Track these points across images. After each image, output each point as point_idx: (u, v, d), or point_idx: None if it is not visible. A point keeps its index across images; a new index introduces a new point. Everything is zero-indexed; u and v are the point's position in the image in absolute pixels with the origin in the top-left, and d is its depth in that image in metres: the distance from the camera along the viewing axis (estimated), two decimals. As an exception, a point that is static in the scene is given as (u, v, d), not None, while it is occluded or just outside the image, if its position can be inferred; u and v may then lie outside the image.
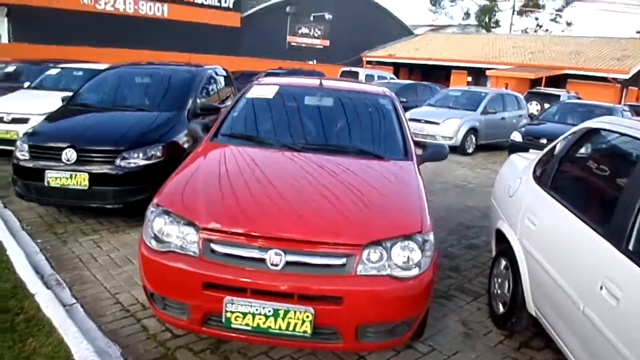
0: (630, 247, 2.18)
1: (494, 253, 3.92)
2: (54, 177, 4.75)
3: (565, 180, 3.10)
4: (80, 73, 8.89)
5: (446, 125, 11.44)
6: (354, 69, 22.13)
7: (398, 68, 30.13)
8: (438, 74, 27.15)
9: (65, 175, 4.74)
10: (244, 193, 2.83)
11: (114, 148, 4.82)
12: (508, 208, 3.58)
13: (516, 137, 10.59)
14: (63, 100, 6.17)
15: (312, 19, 29.84)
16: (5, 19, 18.51)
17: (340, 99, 4.03)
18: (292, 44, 29.24)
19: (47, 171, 4.76)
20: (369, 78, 20.47)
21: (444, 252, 5.04)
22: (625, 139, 2.71)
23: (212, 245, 2.54)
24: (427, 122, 11.71)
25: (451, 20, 49.78)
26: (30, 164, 4.86)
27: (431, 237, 2.70)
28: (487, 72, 24.15)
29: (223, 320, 2.48)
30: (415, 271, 2.57)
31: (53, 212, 5.40)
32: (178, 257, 2.58)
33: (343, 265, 2.48)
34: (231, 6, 26.05)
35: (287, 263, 2.46)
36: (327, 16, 29.56)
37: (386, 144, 3.70)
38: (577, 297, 2.41)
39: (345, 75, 21.45)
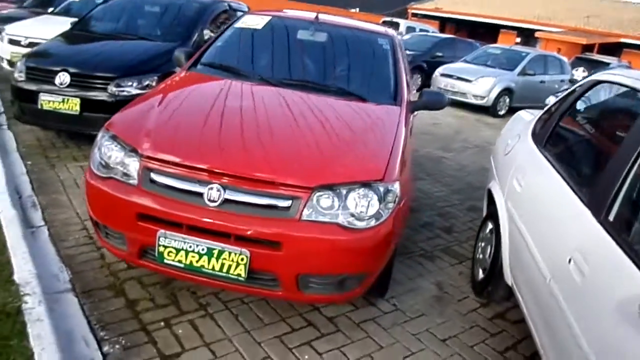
0: (611, 217, 1.86)
1: (484, 215, 3.63)
2: (47, 101, 4.67)
3: (560, 139, 2.75)
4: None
5: (478, 83, 10.83)
6: (395, 19, 21.21)
7: (445, 23, 28.73)
8: (485, 32, 25.73)
9: (58, 99, 4.64)
10: (196, 124, 2.61)
11: (106, 74, 4.67)
12: (501, 167, 3.25)
13: (552, 101, 9.89)
14: (71, 25, 6.02)
15: (358, -36, 28.57)
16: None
17: (335, 35, 3.70)
18: (336, -11, 28.12)
19: (40, 94, 4.68)
20: (410, 30, 19.64)
21: (441, 211, 4.77)
22: (634, 93, 2.32)
23: (152, 175, 2.36)
24: (458, 78, 11.12)
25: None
26: (26, 86, 4.78)
27: (396, 187, 2.43)
28: (537, 34, 22.68)
29: (156, 254, 2.32)
30: (370, 222, 2.33)
31: (52, 137, 5.36)
32: (116, 185, 2.42)
33: (287, 208, 2.26)
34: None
35: (226, 200, 2.25)
36: (375, -38, 28.22)
37: (374, 85, 3.38)
38: (546, 268, 2.13)
39: (386, 25, 20.59)
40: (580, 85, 2.81)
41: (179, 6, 6.05)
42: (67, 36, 5.54)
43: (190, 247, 2.27)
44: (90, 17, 5.94)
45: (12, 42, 7.13)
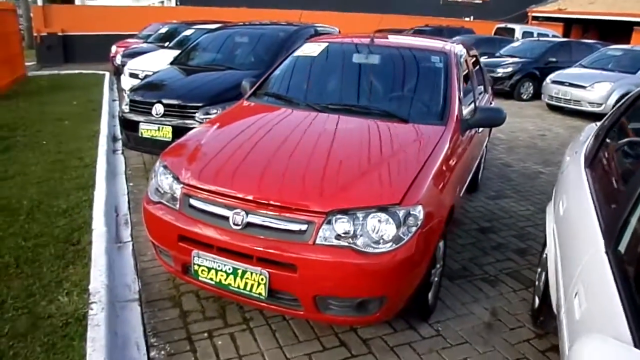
0: (622, 247, 1.70)
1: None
2: (146, 129, 5.27)
3: (600, 159, 2.50)
4: (210, 33, 9.55)
5: (594, 89, 9.95)
6: (510, 25, 20.20)
7: (570, 25, 26.58)
8: (617, 32, 23.32)
9: (154, 128, 5.23)
10: (229, 152, 2.84)
11: (194, 104, 5.16)
12: (557, 186, 3.03)
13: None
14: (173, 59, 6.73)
15: (473, -30, 27.71)
16: (173, -16, 20.66)
17: (388, 57, 3.74)
18: (448, -1, 27.56)
19: (140, 123, 5.30)
20: (527, 35, 18.63)
21: (520, 232, 4.51)
22: None
23: (191, 200, 2.62)
24: (571, 85, 10.33)
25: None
26: (130, 117, 5.45)
27: (419, 210, 2.42)
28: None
29: (192, 271, 2.57)
30: (387, 246, 2.35)
31: (156, 160, 6.02)
32: (163, 209, 2.72)
33: (302, 231, 2.37)
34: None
35: (249, 224, 2.43)
36: (491, -33, 27.17)
37: (419, 106, 3.37)
38: (562, 300, 1.98)
39: (500, 32, 19.76)
40: (629, 98, 2.54)
41: (266, 36, 6.47)
42: (165, 71, 6.22)
43: (219, 266, 2.48)
44: (188, 51, 6.59)
45: (132, 75, 8.14)
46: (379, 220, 2.36)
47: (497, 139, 8.19)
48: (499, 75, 12.38)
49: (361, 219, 2.37)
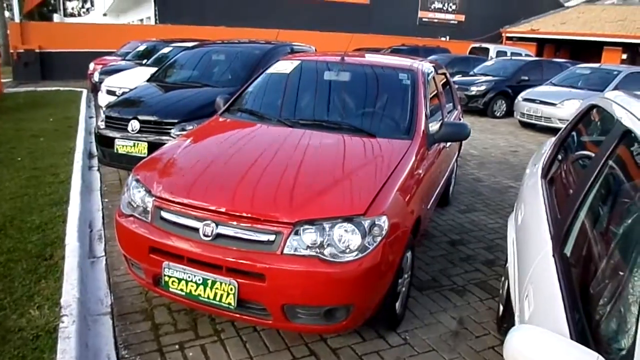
0: (567, 251, 1.81)
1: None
2: (122, 145, 5.30)
3: (554, 169, 2.64)
4: (189, 51, 9.62)
5: (564, 106, 10.28)
6: (484, 44, 20.79)
7: (543, 45, 27.41)
8: (588, 51, 24.13)
9: (130, 144, 5.26)
10: (200, 166, 2.92)
11: (169, 120, 5.22)
12: (518, 197, 3.17)
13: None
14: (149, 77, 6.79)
15: (447, -8, 28.43)
16: (152, 2, 20.70)
17: (357, 75, 3.88)
18: (424, 19, 28.18)
19: (116, 139, 5.33)
20: (501, 54, 19.21)
21: (489, 244, 4.64)
22: (612, 122, 2.21)
23: (162, 213, 2.68)
24: (542, 102, 10.66)
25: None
26: (105, 133, 5.46)
27: (383, 221, 2.52)
28: (643, 48, 20.81)
29: (162, 283, 2.61)
30: (352, 255, 2.43)
31: (132, 176, 6.04)
32: (135, 221, 2.77)
33: (270, 242, 2.44)
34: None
35: (219, 235, 2.49)
36: (465, -11, 27.95)
37: (387, 121, 3.50)
38: (517, 303, 2.09)
39: (475, 51, 20.30)
40: (578, 112, 2.70)
41: (242, 54, 6.58)
42: (142, 88, 6.28)
43: (189, 277, 2.53)
44: (165, 68, 6.67)
45: (109, 92, 8.16)
46: (345, 230, 2.45)
47: (470, 155, 8.39)
48: (473, 93, 12.71)
49: (328, 229, 2.45)
